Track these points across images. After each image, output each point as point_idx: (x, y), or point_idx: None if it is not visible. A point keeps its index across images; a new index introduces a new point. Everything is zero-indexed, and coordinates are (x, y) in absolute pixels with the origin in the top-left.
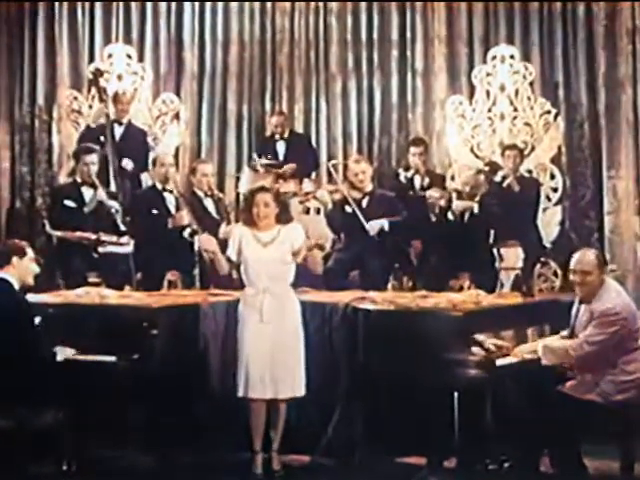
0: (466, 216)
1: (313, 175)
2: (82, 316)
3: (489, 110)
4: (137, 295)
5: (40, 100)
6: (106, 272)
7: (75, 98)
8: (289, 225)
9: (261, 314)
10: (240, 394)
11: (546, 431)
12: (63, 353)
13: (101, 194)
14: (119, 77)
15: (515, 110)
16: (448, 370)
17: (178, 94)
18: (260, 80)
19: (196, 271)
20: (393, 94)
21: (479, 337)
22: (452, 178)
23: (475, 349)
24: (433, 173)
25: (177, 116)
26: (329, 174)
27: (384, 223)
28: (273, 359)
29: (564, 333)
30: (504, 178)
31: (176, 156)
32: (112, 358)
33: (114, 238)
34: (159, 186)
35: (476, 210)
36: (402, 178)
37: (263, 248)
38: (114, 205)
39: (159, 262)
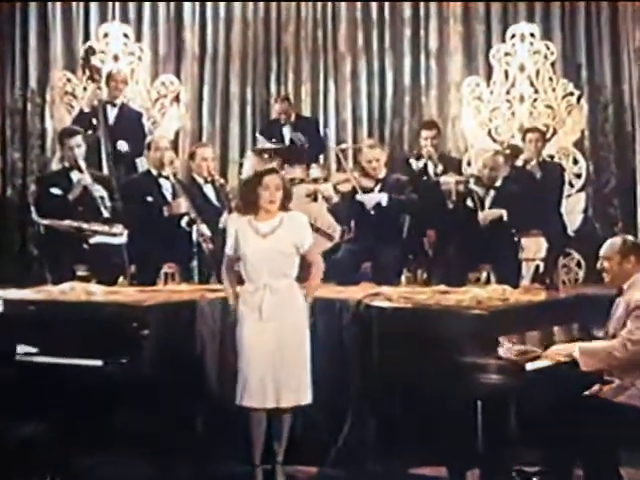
0: (487, 203)
1: (321, 160)
2: (65, 315)
3: (508, 92)
4: (127, 291)
5: (32, 83)
6: (97, 265)
7: (68, 80)
8: (292, 214)
9: (260, 312)
10: (238, 402)
11: (580, 440)
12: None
13: (85, 178)
14: (115, 58)
15: (536, 92)
16: (471, 375)
17: (178, 76)
18: (265, 61)
19: (194, 263)
20: (405, 76)
21: (505, 340)
22: (468, 164)
23: (502, 351)
24: (447, 157)
25: (177, 99)
26: (338, 160)
27: (382, 197)
28: (275, 362)
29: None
30: (526, 163)
31: (176, 141)
32: (98, 362)
33: (105, 228)
34: (154, 172)
35: (505, 217)
36: (414, 166)
37: (262, 239)
38: (98, 190)
39: (154, 254)
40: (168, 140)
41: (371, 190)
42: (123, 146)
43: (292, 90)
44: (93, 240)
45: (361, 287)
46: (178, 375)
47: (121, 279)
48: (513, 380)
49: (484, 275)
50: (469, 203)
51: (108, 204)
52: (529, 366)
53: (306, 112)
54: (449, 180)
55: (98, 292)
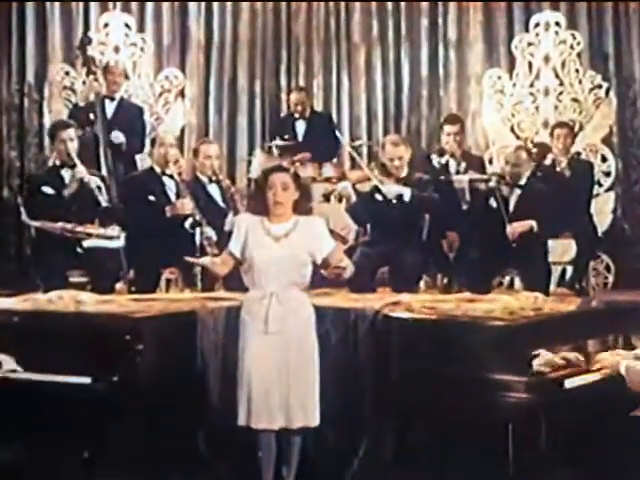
0: (511, 202)
1: (334, 159)
2: (51, 327)
3: (531, 85)
4: (121, 300)
5: (29, 77)
6: (92, 270)
7: (67, 73)
8: (309, 218)
9: (266, 323)
10: (243, 423)
11: (624, 465)
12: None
13: (81, 171)
14: (116, 49)
15: (561, 84)
16: (501, 392)
17: (183, 69)
18: (274, 53)
19: (198, 269)
20: (423, 67)
21: (544, 353)
22: (490, 162)
23: (537, 366)
24: (470, 155)
25: (182, 93)
26: (352, 157)
27: (405, 191)
28: (281, 379)
29: None
30: (553, 161)
31: (181, 138)
32: (87, 380)
33: (101, 230)
34: (157, 169)
35: (535, 228)
36: (435, 163)
37: (274, 243)
38: (95, 180)
39: (155, 258)
40: (174, 136)
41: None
42: (118, 137)
43: (303, 83)
44: (87, 243)
45: (378, 295)
46: (177, 394)
47: (119, 286)
48: (548, 398)
49: (507, 280)
50: (492, 203)
51: (106, 195)
52: (568, 383)
53: (318, 107)
54: (462, 179)
55: (88, 301)
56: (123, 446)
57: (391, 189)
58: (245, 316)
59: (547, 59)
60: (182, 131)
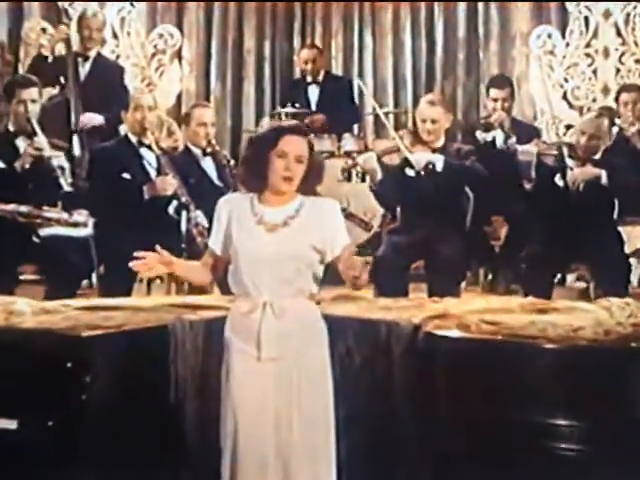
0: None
1: (355, 129)
2: None
3: (588, 45)
4: (70, 312)
5: (2, 36)
6: (50, 266)
7: (44, 30)
8: (318, 200)
9: (258, 346)
10: None
11: None
12: None
13: (41, 142)
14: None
15: (623, 44)
16: None
17: (180, 26)
18: (286, 9)
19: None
20: (459, 26)
21: None
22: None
23: None
24: (522, 125)
25: (178, 55)
26: (376, 128)
27: (437, 159)
28: (280, 424)
29: None
30: (621, 130)
31: (178, 107)
32: (11, 423)
33: (64, 215)
34: (133, 139)
35: (604, 179)
36: (479, 137)
37: (269, 234)
38: (58, 158)
39: (131, 250)
40: (152, 97)
41: (427, 164)
42: (93, 119)
43: (320, 44)
44: (46, 231)
45: (415, 300)
46: (143, 441)
47: (84, 284)
48: None
49: (571, 278)
50: (558, 181)
51: (70, 179)
52: None
53: (337, 70)
54: (530, 150)
55: (26, 311)
56: None
57: (420, 158)
58: (230, 335)
59: (607, 14)
60: (179, 99)
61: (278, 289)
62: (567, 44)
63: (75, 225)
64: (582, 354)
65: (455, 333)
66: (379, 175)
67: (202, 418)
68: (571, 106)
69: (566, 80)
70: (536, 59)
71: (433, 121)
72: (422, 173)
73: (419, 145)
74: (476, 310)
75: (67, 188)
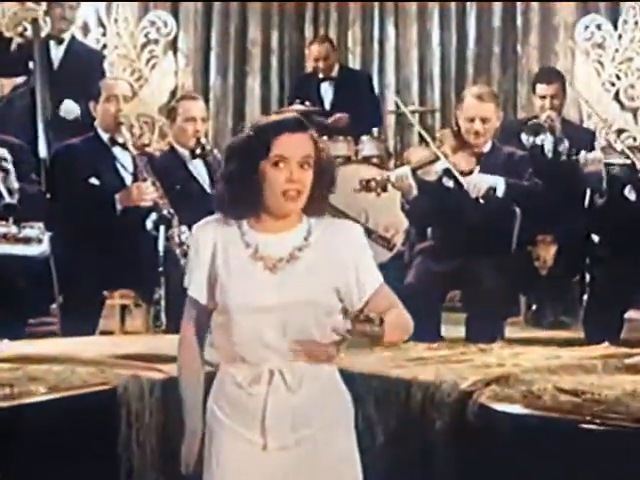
0: None
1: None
2: None
3: None
4: None
5: None
6: None
7: (15, 14)
8: (335, 223)
9: (264, 432)
10: None
11: None
12: None
13: None
14: None
15: None
16: None
17: (175, 14)
18: None
19: (161, 291)
20: (495, 17)
21: None
22: None
23: None
24: (574, 126)
25: (173, 45)
26: (400, 131)
27: (498, 182)
28: None
29: None
30: None
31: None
32: None
33: (13, 228)
34: (104, 136)
35: None
36: (524, 141)
37: (269, 272)
38: (2, 155)
39: (97, 274)
40: (129, 85)
41: (470, 173)
42: (72, 111)
43: (334, 35)
44: None
45: (458, 349)
46: None
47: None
48: None
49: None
50: (629, 194)
51: (15, 185)
52: None
53: (355, 65)
54: (599, 158)
55: None
56: None
57: (477, 182)
58: (218, 412)
59: None
60: (173, 95)
61: (287, 350)
62: (619, 36)
63: (27, 241)
64: None
65: (521, 409)
66: (414, 192)
67: None
68: (623, 107)
69: (618, 78)
70: (583, 53)
71: (483, 120)
72: (481, 201)
73: (460, 151)
74: (544, 368)
75: (8, 199)
